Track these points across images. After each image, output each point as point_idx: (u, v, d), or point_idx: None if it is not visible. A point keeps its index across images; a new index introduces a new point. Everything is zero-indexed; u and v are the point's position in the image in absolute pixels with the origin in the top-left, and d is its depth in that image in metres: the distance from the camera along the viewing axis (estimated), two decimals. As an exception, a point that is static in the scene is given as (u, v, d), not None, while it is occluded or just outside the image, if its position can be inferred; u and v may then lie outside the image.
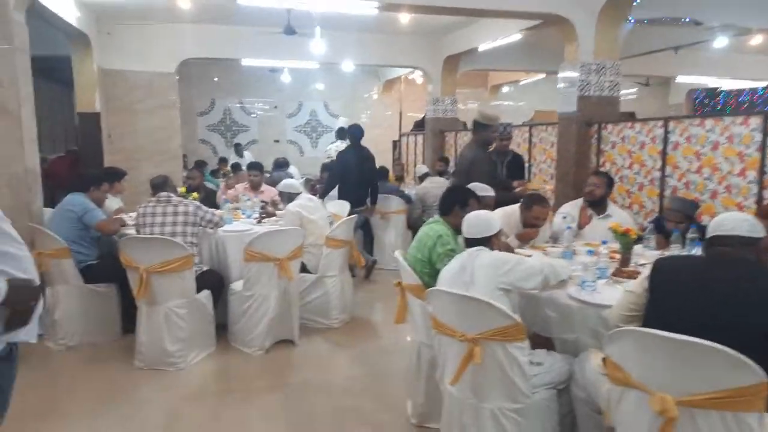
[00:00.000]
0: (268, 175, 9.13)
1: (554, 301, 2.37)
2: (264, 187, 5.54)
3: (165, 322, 3.42)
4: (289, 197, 4.37)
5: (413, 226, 6.35)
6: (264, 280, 3.66)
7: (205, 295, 3.66)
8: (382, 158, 12.24)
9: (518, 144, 6.50)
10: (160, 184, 3.78)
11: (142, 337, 3.47)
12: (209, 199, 5.23)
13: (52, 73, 8.42)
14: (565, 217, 3.62)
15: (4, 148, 3.83)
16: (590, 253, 3.04)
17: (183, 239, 3.60)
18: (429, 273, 2.80)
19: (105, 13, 6.83)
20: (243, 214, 4.73)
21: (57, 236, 3.66)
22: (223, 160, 10.07)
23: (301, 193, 4.40)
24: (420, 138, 9.78)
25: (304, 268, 4.11)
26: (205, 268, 3.77)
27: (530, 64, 9.20)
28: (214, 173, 9.50)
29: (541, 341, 2.37)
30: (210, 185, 7.42)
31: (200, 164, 8.35)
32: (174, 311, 3.44)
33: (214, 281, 3.81)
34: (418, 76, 10.79)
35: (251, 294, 3.68)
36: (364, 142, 5.68)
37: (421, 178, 6.55)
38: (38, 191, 4.15)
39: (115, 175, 4.96)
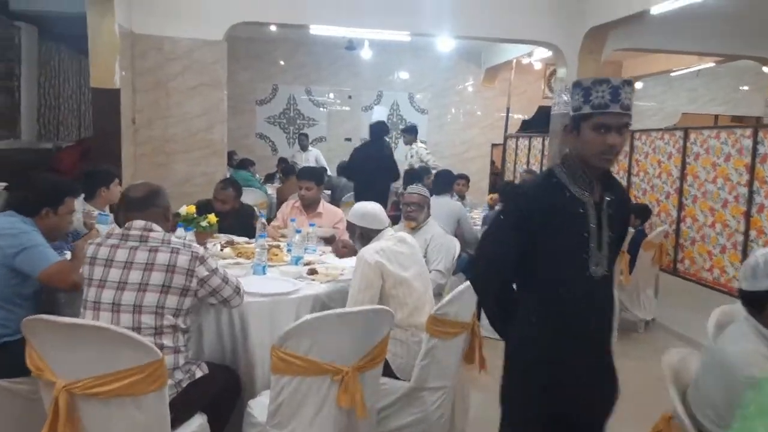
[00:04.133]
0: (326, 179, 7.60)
1: None
2: (323, 207, 3.85)
3: (101, 496, 1.75)
4: (363, 235, 2.62)
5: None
6: (308, 410, 1.93)
7: (195, 429, 1.97)
8: (478, 165, 10.42)
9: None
10: (137, 203, 2.12)
11: None
12: (245, 225, 3.58)
13: (78, 41, 7.23)
14: None
15: None
16: None
17: (155, 320, 1.93)
18: None
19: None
20: (288, 252, 3.05)
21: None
22: (283, 161, 8.54)
23: (386, 228, 2.64)
24: (533, 142, 7.84)
25: (386, 370, 2.35)
26: (198, 374, 2.07)
27: (717, 44, 6.98)
28: (270, 178, 7.99)
29: None
30: (257, 200, 5.89)
31: (245, 164, 6.84)
32: (121, 475, 1.76)
33: (219, 391, 2.13)
34: (535, 61, 8.83)
35: (283, 435, 1.95)
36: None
37: None
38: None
39: (97, 180, 3.42)
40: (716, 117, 11.17)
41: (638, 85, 11.36)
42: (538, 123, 9.65)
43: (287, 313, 2.37)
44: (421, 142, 7.55)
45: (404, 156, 7.61)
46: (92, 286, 1.95)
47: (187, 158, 6.16)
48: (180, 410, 1.93)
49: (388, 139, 6.48)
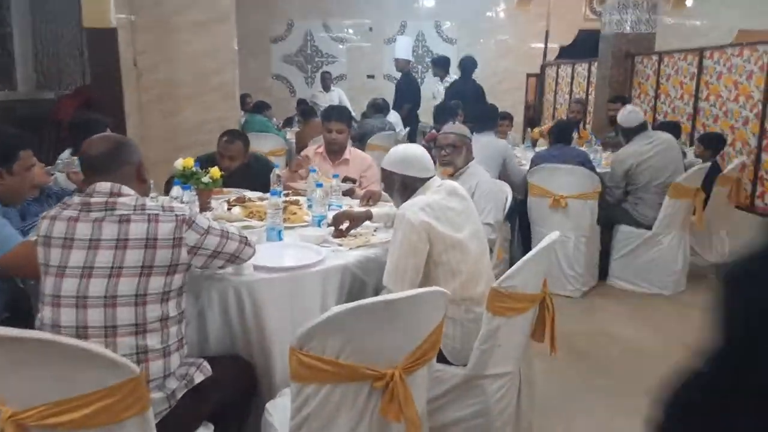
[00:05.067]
0: (354, 125, 6.99)
1: None
2: (350, 152, 3.30)
3: None
4: (405, 185, 2.08)
5: (607, 219, 3.89)
6: (342, 426, 1.46)
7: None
8: (513, 98, 9.63)
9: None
10: (100, 161, 1.59)
11: None
12: (261, 181, 3.02)
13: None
14: None
15: None
16: None
17: (135, 313, 1.46)
18: None
19: None
20: (308, 209, 2.54)
21: None
22: (302, 103, 7.90)
23: (432, 177, 2.10)
24: (577, 69, 7.06)
25: (439, 355, 1.86)
26: (198, 377, 1.60)
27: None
28: (289, 122, 7.40)
29: None
30: (274, 147, 5.37)
31: (260, 107, 6.26)
32: None
33: (228, 394, 1.68)
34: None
35: (311, 457, 1.49)
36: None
37: (627, 135, 3.91)
38: None
39: (85, 131, 2.91)
40: (776, 32, 10.09)
41: (688, 1, 10.27)
42: (578, 50, 8.79)
43: (310, 290, 1.89)
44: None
45: (432, 93, 6.94)
46: (49, 275, 1.47)
47: (198, 103, 5.61)
48: (176, 429, 1.48)
49: (414, 74, 5.95)
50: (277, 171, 2.85)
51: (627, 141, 3.82)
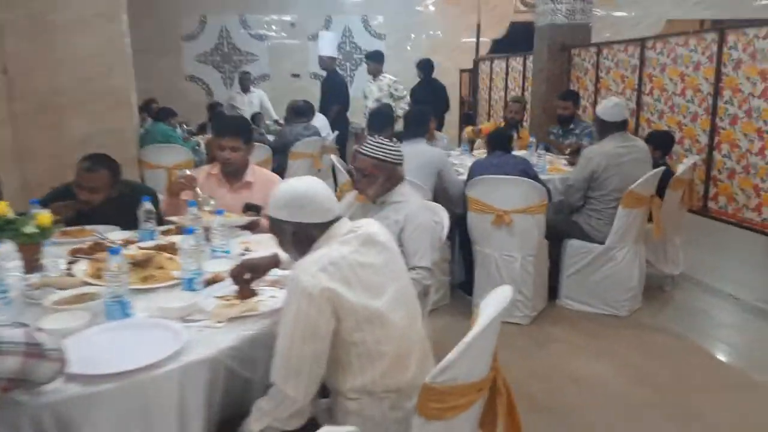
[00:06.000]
0: (276, 128, 6.33)
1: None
2: (254, 173, 2.69)
3: None
4: (298, 237, 1.49)
5: (555, 232, 3.44)
6: None
7: None
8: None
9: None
10: None
11: None
12: (133, 213, 2.35)
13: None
14: None
15: None
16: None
17: None
18: None
19: None
20: (184, 264, 1.90)
21: None
22: (218, 105, 7.09)
23: (337, 220, 1.51)
24: (511, 63, 6.68)
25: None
26: None
27: None
28: (203, 128, 6.60)
29: None
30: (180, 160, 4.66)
31: (165, 115, 5.49)
32: None
33: None
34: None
35: None
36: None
37: (603, 131, 3.38)
38: None
39: None
40: (702, 22, 10.17)
41: (616, -9, 10.18)
42: (511, 43, 8.48)
43: (160, 405, 1.27)
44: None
45: (363, 92, 6.38)
46: None
47: (85, 113, 4.79)
48: None
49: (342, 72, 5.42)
50: (147, 205, 2.21)
51: (601, 137, 3.39)
